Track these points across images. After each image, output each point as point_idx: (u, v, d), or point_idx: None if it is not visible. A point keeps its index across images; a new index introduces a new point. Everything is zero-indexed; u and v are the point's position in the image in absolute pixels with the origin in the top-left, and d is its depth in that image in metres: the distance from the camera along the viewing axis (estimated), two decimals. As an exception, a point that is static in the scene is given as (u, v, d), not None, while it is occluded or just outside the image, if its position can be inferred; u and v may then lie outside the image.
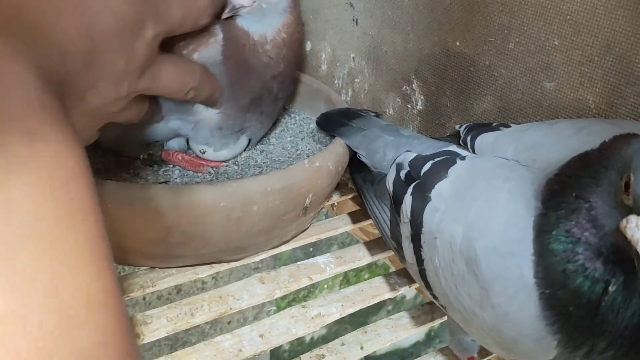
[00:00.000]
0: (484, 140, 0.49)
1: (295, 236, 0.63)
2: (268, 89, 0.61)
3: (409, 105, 0.67)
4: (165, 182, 0.60)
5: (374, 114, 0.65)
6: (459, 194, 0.44)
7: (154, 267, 0.56)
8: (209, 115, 0.60)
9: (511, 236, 0.38)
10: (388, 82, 0.70)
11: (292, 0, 0.59)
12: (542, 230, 0.36)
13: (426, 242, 0.46)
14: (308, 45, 0.82)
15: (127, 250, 0.54)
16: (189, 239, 0.53)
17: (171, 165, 0.63)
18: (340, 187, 0.72)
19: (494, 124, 0.51)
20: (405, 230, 0.49)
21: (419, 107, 0.66)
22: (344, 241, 1.24)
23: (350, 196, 0.72)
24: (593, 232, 0.34)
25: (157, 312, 0.52)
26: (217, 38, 0.57)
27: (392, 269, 0.64)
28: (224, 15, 0.56)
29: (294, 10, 0.60)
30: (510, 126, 0.49)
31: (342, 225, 0.67)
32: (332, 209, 0.78)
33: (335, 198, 0.71)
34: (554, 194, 0.36)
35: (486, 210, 0.41)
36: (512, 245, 0.38)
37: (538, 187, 0.39)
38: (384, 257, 0.63)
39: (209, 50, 0.57)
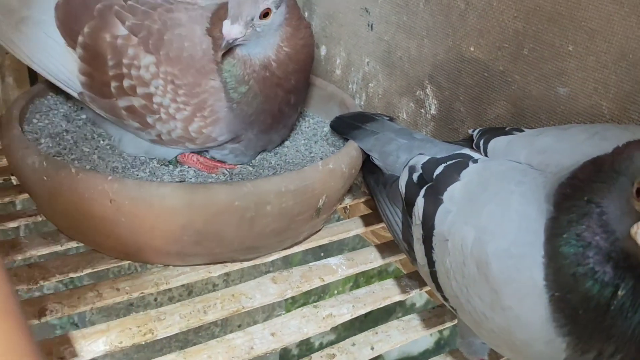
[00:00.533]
0: (497, 143, 0.49)
1: (308, 237, 0.63)
2: (287, 102, 0.62)
3: (422, 110, 0.68)
4: (181, 182, 0.61)
5: (387, 118, 0.65)
6: (471, 197, 0.45)
7: (168, 265, 0.57)
8: (234, 145, 0.62)
9: (522, 239, 0.38)
10: (402, 87, 0.70)
11: (286, 11, 0.58)
12: (553, 234, 0.36)
13: (437, 244, 0.46)
14: (323, 50, 0.82)
15: (142, 248, 0.55)
16: (203, 238, 0.54)
17: (186, 166, 0.64)
18: (352, 190, 0.73)
19: (507, 128, 0.51)
20: (417, 232, 0.50)
21: (433, 111, 0.66)
22: (355, 247, 1.24)
23: (362, 199, 0.73)
24: (604, 236, 0.34)
25: (171, 308, 0.52)
26: (219, 95, 0.58)
27: (404, 273, 0.64)
28: (220, 52, 0.56)
29: (291, 21, 0.58)
30: (523, 130, 0.50)
31: (354, 227, 0.67)
32: (345, 212, 0.79)
33: (348, 201, 0.72)
34: (566, 198, 0.37)
35: (498, 213, 0.41)
36: (523, 247, 0.38)
37: (550, 191, 0.39)
38: (395, 259, 0.64)
39: (217, 108, 0.58)
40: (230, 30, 0.54)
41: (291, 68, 0.59)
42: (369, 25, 0.73)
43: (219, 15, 0.58)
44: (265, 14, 0.55)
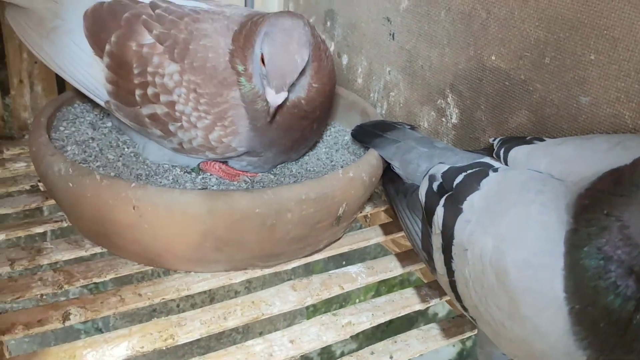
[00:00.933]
0: (518, 153, 0.49)
1: (328, 245, 0.64)
2: (310, 129, 0.62)
3: (443, 119, 0.68)
4: (203, 189, 0.61)
5: (408, 127, 0.66)
6: (491, 206, 0.44)
7: (189, 272, 0.58)
8: (252, 159, 0.63)
9: (542, 248, 0.38)
10: (423, 96, 0.70)
11: (311, 47, 0.57)
12: (574, 246, 0.36)
13: (457, 253, 0.46)
14: (345, 59, 0.83)
15: (164, 254, 0.55)
16: (223, 244, 0.54)
17: (209, 174, 0.64)
18: (373, 199, 0.73)
19: (528, 138, 0.51)
20: (437, 242, 0.49)
21: (454, 120, 0.66)
22: (377, 255, 1.24)
23: (383, 208, 0.73)
24: (626, 250, 0.34)
25: (192, 314, 0.53)
26: (240, 108, 0.59)
27: (424, 283, 0.64)
28: (269, 118, 0.57)
29: (316, 55, 0.58)
30: (544, 140, 0.49)
31: (374, 236, 0.67)
32: (365, 220, 0.79)
33: (369, 209, 0.72)
34: (585, 210, 0.36)
35: (517, 223, 0.41)
36: (543, 257, 0.38)
37: (570, 201, 0.38)
38: (415, 268, 0.64)
39: (236, 118, 0.59)
40: (276, 98, 0.55)
41: (318, 102, 0.60)
42: (390, 34, 0.73)
43: (242, 32, 0.59)
44: (302, 72, 0.56)
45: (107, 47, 0.60)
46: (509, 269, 0.39)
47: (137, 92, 0.59)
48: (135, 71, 0.59)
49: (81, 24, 0.61)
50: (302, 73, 0.56)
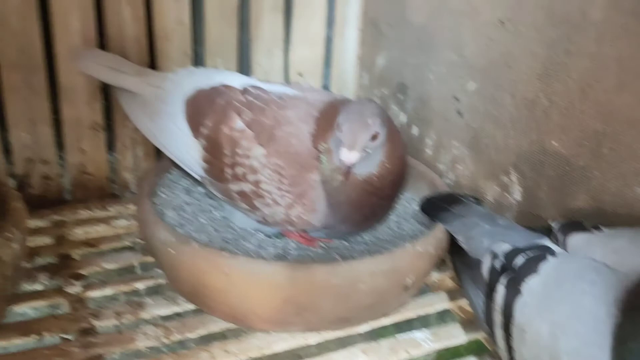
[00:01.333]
0: (576, 240, 0.53)
1: (396, 309, 0.69)
2: (380, 206, 0.68)
3: (506, 195, 0.72)
4: (284, 255, 0.68)
5: (474, 200, 0.70)
6: (548, 292, 0.49)
7: (269, 331, 0.64)
8: (328, 231, 0.69)
9: (592, 340, 0.42)
10: (488, 172, 0.75)
11: (388, 129, 0.62)
12: (620, 340, 0.40)
13: (515, 333, 0.50)
14: (415, 130, 0.89)
15: (250, 315, 0.62)
16: (303, 309, 0.61)
17: (289, 239, 0.71)
18: (440, 265, 0.77)
19: (586, 224, 0.55)
20: (497, 318, 0.54)
21: (517, 197, 0.70)
22: (442, 320, 1.26)
23: (449, 274, 0.77)
24: None
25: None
26: (318, 189, 0.65)
27: (488, 350, 0.67)
28: (344, 178, 0.62)
29: (390, 136, 0.63)
30: (601, 228, 0.53)
31: (440, 302, 0.72)
32: (432, 284, 0.83)
33: (435, 275, 0.77)
34: (631, 306, 0.40)
35: (571, 312, 0.45)
36: (592, 348, 0.42)
37: (619, 295, 0.42)
38: (479, 336, 0.68)
39: (315, 198, 0.65)
40: (350, 157, 0.59)
41: (389, 180, 0.65)
42: (458, 112, 0.79)
43: (324, 116, 0.66)
44: (374, 137, 0.60)
45: (204, 130, 0.68)
46: (562, 356, 0.43)
47: (228, 170, 0.67)
48: (227, 152, 0.67)
49: (182, 108, 0.70)
50: (373, 139, 0.60)
